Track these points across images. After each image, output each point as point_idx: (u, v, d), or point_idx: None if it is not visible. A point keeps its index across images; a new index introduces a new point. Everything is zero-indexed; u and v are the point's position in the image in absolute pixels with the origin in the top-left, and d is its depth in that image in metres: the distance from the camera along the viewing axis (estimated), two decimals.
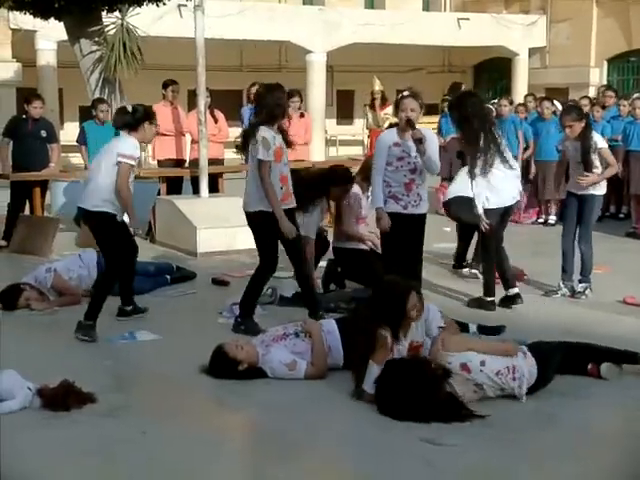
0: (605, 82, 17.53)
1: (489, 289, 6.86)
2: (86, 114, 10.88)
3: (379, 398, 4.55)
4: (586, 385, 4.95)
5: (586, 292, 7.18)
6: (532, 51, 19.90)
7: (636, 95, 11.41)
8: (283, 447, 4.26)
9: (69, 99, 16.83)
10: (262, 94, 6.36)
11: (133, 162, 6.17)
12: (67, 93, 16.61)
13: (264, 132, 6.05)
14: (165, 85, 10.69)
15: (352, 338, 5.15)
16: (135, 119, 6.28)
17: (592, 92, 15.04)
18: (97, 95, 10.90)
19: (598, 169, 7.07)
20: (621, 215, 11.39)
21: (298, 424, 4.50)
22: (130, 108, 6.46)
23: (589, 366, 5.09)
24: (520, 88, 19.39)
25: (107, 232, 6.24)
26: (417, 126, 6.21)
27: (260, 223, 6.14)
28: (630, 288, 7.29)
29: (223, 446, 4.25)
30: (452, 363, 4.56)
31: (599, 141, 7.12)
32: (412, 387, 4.44)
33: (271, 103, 6.15)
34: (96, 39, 11.12)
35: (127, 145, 6.17)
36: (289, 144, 6.36)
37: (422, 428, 4.30)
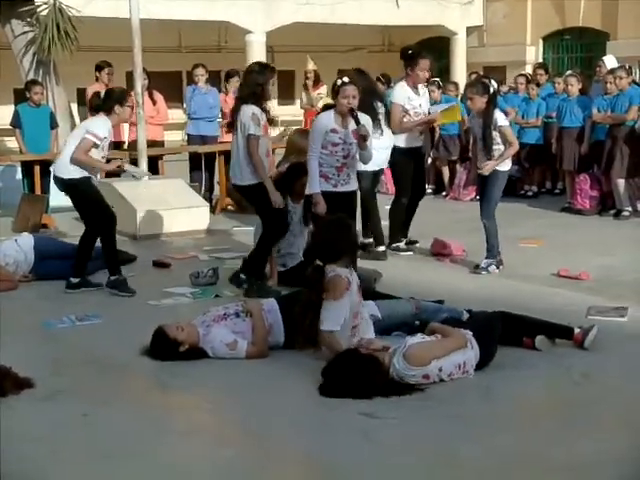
0: (541, 60, 17.74)
1: (378, 239, 7.64)
2: (22, 96, 10.68)
3: (325, 385, 4.55)
4: (522, 357, 5.04)
5: (489, 268, 7.19)
6: (470, 30, 20.02)
7: (569, 72, 11.56)
8: (225, 427, 4.29)
9: (2, 81, 16.45)
10: (245, 73, 6.83)
11: (97, 141, 6.56)
12: (0, 75, 16.26)
13: (252, 109, 6.36)
14: (99, 67, 10.56)
15: (293, 313, 5.17)
16: (107, 104, 6.71)
17: (529, 70, 15.18)
18: (31, 77, 10.73)
19: (500, 146, 7.13)
20: (556, 191, 11.60)
21: (239, 403, 4.52)
22: (103, 94, 6.98)
23: (524, 338, 5.18)
24: (459, 67, 19.55)
25: (77, 195, 6.84)
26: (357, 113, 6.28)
27: (259, 194, 6.47)
28: (564, 261, 7.43)
29: (166, 427, 4.22)
30: (415, 375, 4.54)
31: (500, 119, 7.15)
32: (357, 373, 4.46)
33: (251, 83, 6.53)
34: (28, 19, 10.93)
35: (97, 124, 6.67)
36: (271, 121, 6.87)
37: (362, 403, 4.33)
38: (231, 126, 6.74)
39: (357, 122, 6.19)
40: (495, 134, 7.10)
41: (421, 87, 8.04)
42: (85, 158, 6.60)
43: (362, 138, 6.21)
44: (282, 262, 6.98)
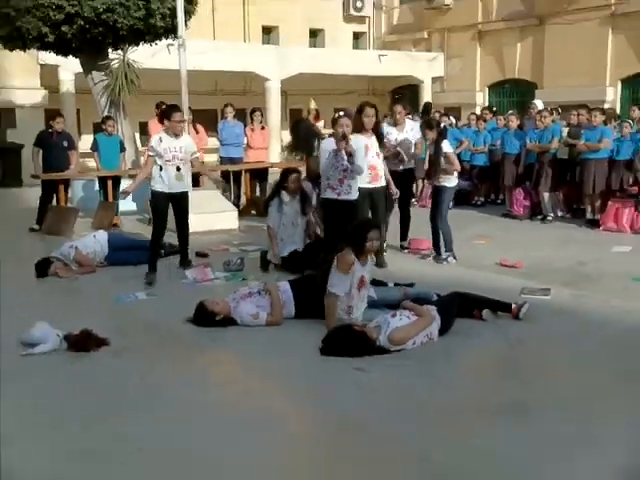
0: (487, 103, 17.73)
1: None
2: (98, 128, 10.68)
3: (324, 348, 4.50)
4: (473, 326, 5.04)
5: (448, 259, 7.17)
6: (434, 79, 19.95)
7: (510, 112, 11.58)
8: (250, 379, 4.28)
9: (85, 117, 16.40)
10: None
11: (150, 152, 6.51)
12: (83, 112, 16.18)
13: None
14: (157, 106, 10.53)
15: (302, 294, 5.21)
16: (161, 116, 6.72)
17: (478, 110, 15.13)
18: (105, 113, 10.69)
19: (443, 163, 7.11)
20: (499, 201, 11.54)
21: (260, 359, 4.52)
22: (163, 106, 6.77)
23: (474, 312, 5.18)
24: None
25: (153, 203, 6.71)
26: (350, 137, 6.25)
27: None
28: (504, 254, 7.42)
29: (205, 380, 4.22)
30: (393, 350, 4.49)
31: (444, 147, 7.12)
32: (351, 343, 4.45)
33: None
34: (104, 71, 10.90)
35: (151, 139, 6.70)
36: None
37: (356, 361, 4.32)
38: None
39: (346, 142, 6.19)
40: (442, 159, 7.09)
41: (408, 124, 7.78)
42: (143, 168, 6.53)
43: (348, 153, 6.20)
44: (282, 248, 6.85)
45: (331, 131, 6.54)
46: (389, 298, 5.33)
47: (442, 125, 7.33)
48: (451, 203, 7.71)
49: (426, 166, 7.60)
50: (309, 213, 7.05)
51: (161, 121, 6.89)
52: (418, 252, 7.68)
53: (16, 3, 9.75)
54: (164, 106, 6.54)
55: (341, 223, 6.15)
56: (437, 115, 12.59)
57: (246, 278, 6.55)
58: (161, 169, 6.55)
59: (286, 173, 7.09)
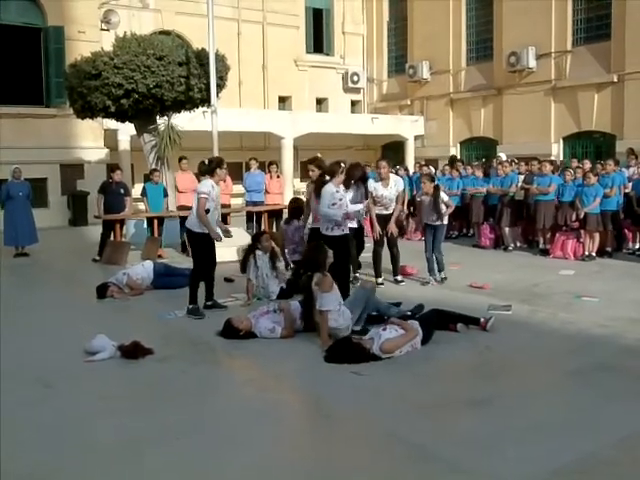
0: (459, 156, 17.84)
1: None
2: (147, 178, 10.80)
3: (327, 356, 4.46)
4: (449, 337, 5.03)
5: (445, 278, 7.31)
6: (416, 137, 20.08)
7: (475, 164, 11.67)
8: (266, 379, 4.28)
9: (137, 170, 16.52)
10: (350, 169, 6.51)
11: (206, 196, 5.77)
12: (136, 166, 16.30)
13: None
14: (180, 159, 10.62)
15: (308, 310, 5.12)
16: (211, 168, 5.99)
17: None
18: (153, 166, 10.82)
19: (446, 208, 7.27)
20: (469, 234, 11.53)
21: (275, 365, 4.51)
22: (207, 161, 5.98)
23: (450, 325, 5.16)
24: (409, 159, 19.66)
25: (196, 244, 5.92)
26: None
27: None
28: (474, 277, 7.41)
29: (230, 379, 4.27)
30: (384, 357, 4.46)
31: (444, 196, 7.34)
32: (350, 352, 4.42)
33: (357, 175, 6.73)
34: (152, 133, 11.07)
35: (203, 185, 5.88)
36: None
37: (353, 366, 4.30)
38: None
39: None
40: (442, 203, 7.22)
41: (392, 180, 7.15)
42: (202, 214, 5.73)
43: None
44: (263, 295, 6.54)
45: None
46: (358, 297, 5.24)
47: (437, 179, 7.45)
48: None
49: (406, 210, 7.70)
50: (278, 267, 6.71)
51: (203, 174, 6.28)
52: (408, 277, 7.58)
53: (87, 83, 10.10)
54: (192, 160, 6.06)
55: (338, 252, 5.77)
56: (418, 166, 12.69)
57: (262, 298, 6.48)
58: (207, 212, 5.89)
59: (257, 235, 6.82)
